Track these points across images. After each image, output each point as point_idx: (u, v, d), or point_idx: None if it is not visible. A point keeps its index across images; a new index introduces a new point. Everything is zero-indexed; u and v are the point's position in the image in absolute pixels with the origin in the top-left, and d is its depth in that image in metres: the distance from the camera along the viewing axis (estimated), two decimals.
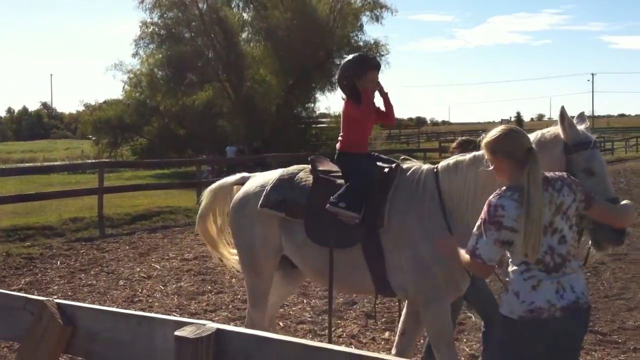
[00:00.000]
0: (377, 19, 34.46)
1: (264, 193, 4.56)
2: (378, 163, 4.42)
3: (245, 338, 1.94)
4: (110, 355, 2.34)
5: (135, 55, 34.24)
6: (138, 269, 9.27)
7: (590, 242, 3.51)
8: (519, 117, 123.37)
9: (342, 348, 1.81)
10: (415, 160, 4.41)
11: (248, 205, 4.68)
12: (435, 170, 4.11)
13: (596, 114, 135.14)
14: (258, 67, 33.18)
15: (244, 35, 35.00)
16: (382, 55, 34.96)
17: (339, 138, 4.58)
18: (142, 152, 36.91)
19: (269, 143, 30.46)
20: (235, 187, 5.07)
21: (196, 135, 35.21)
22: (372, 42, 35.24)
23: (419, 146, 45.91)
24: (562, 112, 3.60)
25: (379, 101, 4.61)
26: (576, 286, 3.14)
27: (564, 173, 3.27)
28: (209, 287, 8.14)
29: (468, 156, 3.96)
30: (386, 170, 4.28)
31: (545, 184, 3.13)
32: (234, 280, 8.44)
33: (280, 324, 6.56)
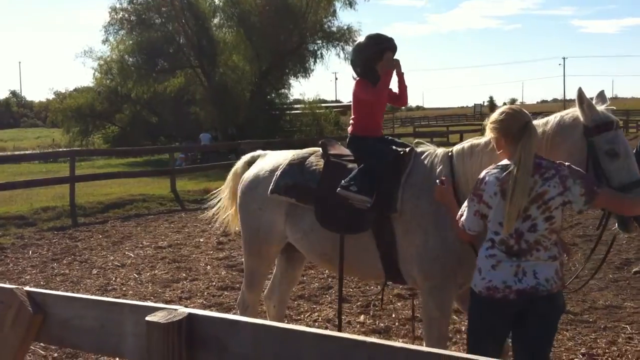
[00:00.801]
0: (350, 4, 34.27)
1: (274, 178, 4.46)
2: (391, 147, 4.26)
3: (217, 322, 1.94)
4: (82, 342, 2.33)
5: (105, 41, 33.72)
6: (111, 258, 9.19)
7: (616, 224, 3.47)
8: (491, 102, 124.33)
9: (314, 330, 1.81)
10: (429, 144, 4.30)
11: (257, 189, 4.59)
12: (449, 154, 3.97)
13: (567, 97, 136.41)
14: (231, 53, 32.87)
15: (215, 20, 34.60)
16: (356, 41, 34.84)
17: (351, 121, 4.47)
18: (114, 140, 36.51)
19: (243, 130, 30.28)
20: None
21: (169, 122, 34.92)
22: (346, 27, 35.08)
23: (394, 131, 46.02)
24: (580, 93, 3.44)
25: (392, 82, 4.45)
26: (540, 273, 3.16)
27: (567, 164, 3.21)
28: (184, 275, 8.11)
29: (484, 140, 3.84)
30: (400, 154, 4.14)
31: (535, 170, 3.14)
32: (209, 267, 8.42)
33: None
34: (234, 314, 5.75)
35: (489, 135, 3.41)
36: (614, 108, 3.63)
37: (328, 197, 4.18)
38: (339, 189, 4.08)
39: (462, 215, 3.33)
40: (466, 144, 3.95)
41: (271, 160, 4.70)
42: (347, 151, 4.45)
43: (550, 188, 3.12)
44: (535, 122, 3.66)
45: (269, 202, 4.49)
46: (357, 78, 4.39)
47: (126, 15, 33.03)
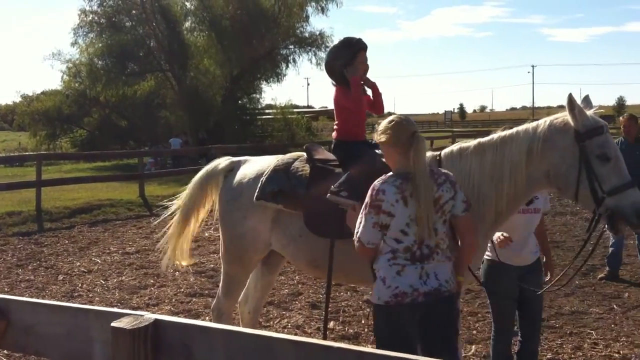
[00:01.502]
0: (322, 10, 34.39)
1: (260, 185, 4.38)
2: (377, 151, 4.22)
3: (184, 328, 1.92)
4: (46, 349, 2.29)
5: (74, 44, 33.23)
6: (78, 264, 9.06)
7: (605, 225, 3.53)
8: (462, 109, 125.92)
9: (284, 335, 1.81)
10: None
11: (241, 197, 4.50)
12: (438, 157, 3.97)
13: (536, 105, 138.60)
14: (202, 57, 32.71)
15: (187, 24, 34.39)
16: (328, 47, 34.92)
17: (334, 127, 4.45)
18: (82, 144, 35.98)
19: (214, 134, 30.11)
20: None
21: (138, 126, 34.56)
22: (318, 33, 35.18)
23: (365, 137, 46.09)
24: (571, 99, 3.49)
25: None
26: (440, 274, 3.26)
27: (449, 172, 3.39)
28: (152, 281, 8.02)
29: (473, 143, 3.88)
30: None
31: (429, 176, 3.25)
32: (177, 273, 8.34)
33: None
34: (208, 320, 5.71)
35: (379, 141, 3.45)
36: (603, 111, 3.74)
37: (317, 203, 4.14)
38: (328, 194, 4.05)
39: (357, 232, 3.33)
40: (455, 147, 3.98)
41: (253, 167, 4.62)
42: (331, 156, 4.42)
43: (444, 192, 3.26)
44: (525, 126, 3.78)
45: (253, 210, 4.43)
46: (336, 85, 4.40)
47: (96, 18, 32.66)
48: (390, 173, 3.32)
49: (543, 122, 3.68)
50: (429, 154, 4.08)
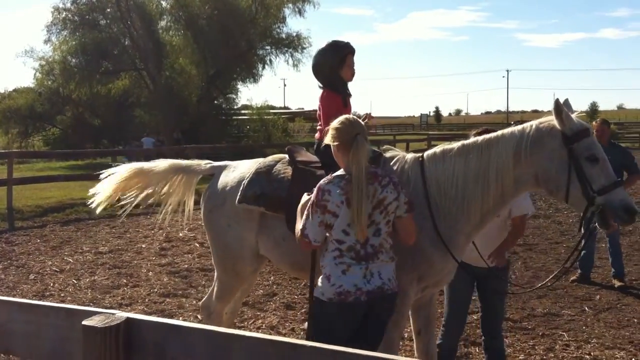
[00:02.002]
0: (299, 11, 34.35)
1: (241, 188, 4.33)
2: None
3: (156, 327, 1.90)
4: (17, 347, 2.25)
5: (47, 41, 32.78)
6: (50, 263, 8.93)
7: (596, 222, 3.65)
8: (437, 112, 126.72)
9: (257, 334, 1.80)
10: (397, 149, 4.29)
11: (225, 205, 4.43)
12: (420, 159, 3.99)
13: (511, 109, 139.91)
14: (177, 57, 32.46)
15: (162, 23, 34.10)
16: (305, 48, 34.94)
17: (318, 128, 4.41)
18: (54, 142, 35.62)
19: (189, 134, 29.91)
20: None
21: (112, 125, 34.28)
22: (295, 34, 35.15)
23: None
24: (558, 104, 3.61)
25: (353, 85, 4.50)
26: (383, 273, 3.37)
27: (393, 174, 3.49)
28: (125, 281, 7.94)
29: (456, 145, 3.91)
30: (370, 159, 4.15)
31: (373, 178, 3.33)
32: (150, 273, 8.28)
33: (199, 317, 6.49)
34: (182, 320, 5.67)
35: (329, 141, 3.51)
36: (584, 114, 3.84)
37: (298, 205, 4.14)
38: (306, 194, 4.01)
39: (304, 229, 3.40)
40: (438, 149, 4.01)
41: (235, 173, 4.56)
42: (314, 158, 4.39)
43: (388, 194, 3.35)
44: (510, 129, 3.85)
45: (238, 217, 4.38)
46: (323, 87, 4.37)
47: (69, 16, 32.25)
48: (336, 173, 3.40)
49: (529, 126, 3.77)
50: (409, 155, 4.13)
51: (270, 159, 4.58)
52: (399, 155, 4.15)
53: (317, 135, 4.44)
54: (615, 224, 3.70)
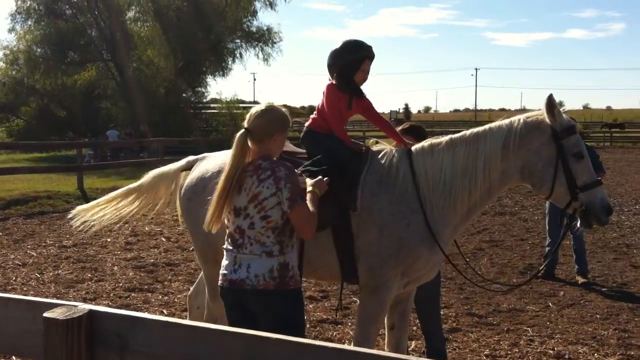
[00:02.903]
0: (270, 5, 34.27)
1: None
2: (346, 145, 4.11)
3: (119, 319, 1.86)
4: None
5: (11, 30, 32.28)
6: (12, 256, 8.75)
7: (578, 222, 3.76)
8: (407, 109, 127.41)
9: (220, 327, 1.77)
10: (385, 143, 4.26)
11: (204, 193, 4.21)
12: (409, 153, 3.98)
13: (479, 107, 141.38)
14: (145, 48, 32.10)
15: (130, 14, 33.72)
16: (275, 42, 34.91)
17: (313, 116, 4.26)
18: (18, 134, 34.91)
19: (157, 127, 29.59)
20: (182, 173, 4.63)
21: (78, 117, 33.73)
22: (265, 28, 35.03)
23: None
24: (552, 100, 3.71)
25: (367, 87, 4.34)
26: (252, 267, 3.26)
27: (289, 166, 3.36)
28: (89, 275, 7.81)
29: (444, 139, 3.93)
30: (357, 152, 4.07)
31: (254, 170, 3.30)
32: (116, 267, 8.16)
33: (165, 312, 6.42)
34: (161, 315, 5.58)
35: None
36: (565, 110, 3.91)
37: None
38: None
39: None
40: (426, 143, 4.01)
41: (216, 161, 4.42)
42: (298, 150, 4.30)
43: (264, 189, 3.26)
44: (498, 123, 3.90)
45: None
46: (331, 81, 4.19)
47: (34, 5, 31.71)
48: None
49: (517, 120, 3.83)
50: (397, 149, 4.07)
51: None
52: (387, 149, 4.13)
53: (308, 122, 4.28)
54: (592, 225, 3.79)
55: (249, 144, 3.33)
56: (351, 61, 4.12)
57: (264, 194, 3.24)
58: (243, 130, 3.33)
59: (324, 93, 4.24)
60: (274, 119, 3.38)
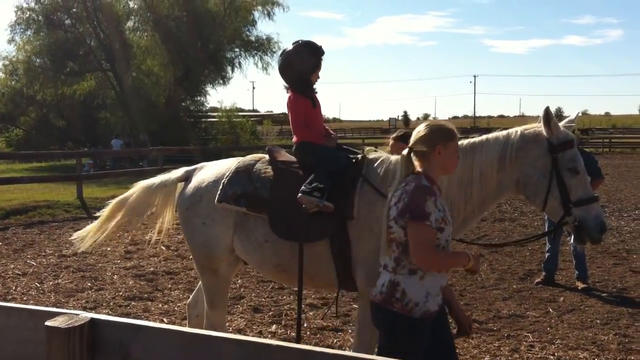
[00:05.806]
0: (269, 14, 34.42)
1: (221, 187, 4.22)
2: (342, 153, 4.20)
3: (120, 327, 1.87)
4: None
5: (10, 41, 32.35)
6: (12, 266, 8.74)
7: (572, 238, 3.77)
8: (406, 116, 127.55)
9: (223, 334, 1.78)
10: (381, 151, 4.27)
11: (200, 203, 4.31)
12: None
13: (477, 114, 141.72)
14: (145, 58, 32.16)
15: (129, 23, 33.82)
16: (274, 52, 34.97)
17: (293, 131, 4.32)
18: (18, 144, 34.94)
19: (156, 136, 29.60)
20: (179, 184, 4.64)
21: (77, 127, 33.81)
22: (265, 37, 35.14)
23: None
24: (548, 112, 3.67)
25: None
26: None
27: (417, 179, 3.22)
28: (89, 284, 7.81)
29: None
30: (353, 160, 4.09)
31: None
32: (115, 276, 8.16)
33: (165, 320, 6.42)
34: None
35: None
36: (573, 125, 3.91)
37: (283, 206, 4.04)
38: (300, 195, 3.95)
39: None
40: None
41: (212, 171, 4.45)
42: (293, 158, 4.32)
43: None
44: (494, 134, 3.91)
45: (214, 215, 4.28)
46: (290, 90, 4.28)
47: (33, 15, 31.81)
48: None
49: (514, 132, 3.83)
50: (394, 157, 4.06)
51: (249, 158, 4.49)
52: (383, 156, 4.13)
53: (294, 138, 4.33)
54: (586, 241, 3.75)
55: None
56: (312, 64, 4.22)
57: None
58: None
59: (288, 106, 4.29)
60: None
